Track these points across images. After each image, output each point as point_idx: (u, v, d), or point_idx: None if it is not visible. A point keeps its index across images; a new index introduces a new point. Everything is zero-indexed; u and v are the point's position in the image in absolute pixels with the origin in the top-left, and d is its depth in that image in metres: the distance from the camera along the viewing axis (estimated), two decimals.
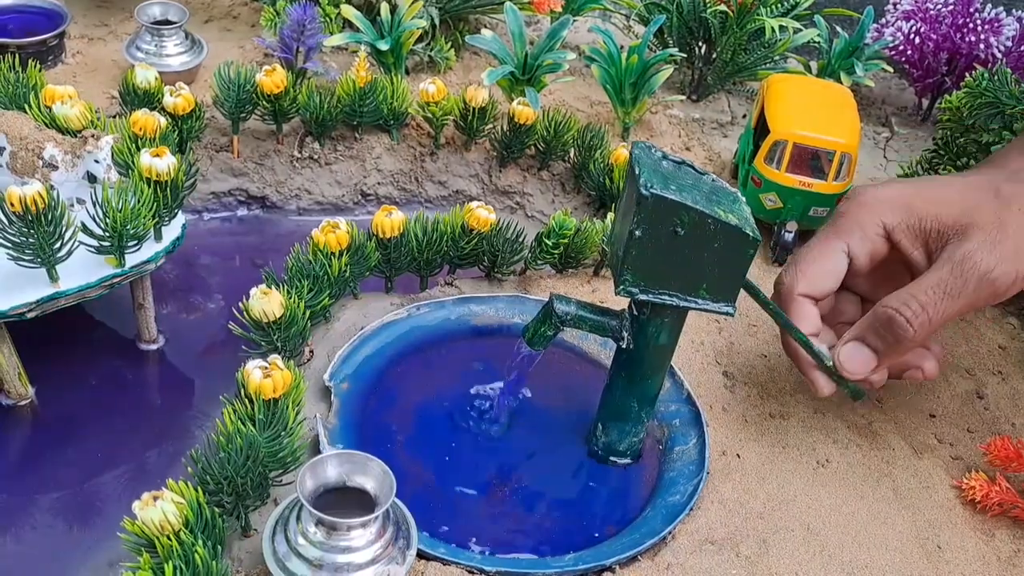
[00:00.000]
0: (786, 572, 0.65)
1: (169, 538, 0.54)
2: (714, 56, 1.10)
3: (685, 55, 1.08)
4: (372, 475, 0.57)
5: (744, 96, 1.18)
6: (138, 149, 0.76)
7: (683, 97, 1.13)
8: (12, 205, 0.65)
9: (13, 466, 0.74)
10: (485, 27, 1.10)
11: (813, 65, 1.12)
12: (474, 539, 0.64)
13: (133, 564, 0.54)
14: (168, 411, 0.80)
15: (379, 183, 1.00)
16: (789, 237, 0.90)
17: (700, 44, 1.11)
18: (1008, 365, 0.84)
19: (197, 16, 1.14)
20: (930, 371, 0.71)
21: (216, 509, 0.58)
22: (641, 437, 0.70)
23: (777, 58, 1.10)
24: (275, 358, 0.63)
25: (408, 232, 0.79)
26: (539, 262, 0.84)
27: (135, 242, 0.73)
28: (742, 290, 0.62)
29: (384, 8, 1.00)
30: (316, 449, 0.66)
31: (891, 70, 1.12)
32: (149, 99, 0.88)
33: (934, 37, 1.09)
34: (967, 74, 0.95)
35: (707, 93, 1.15)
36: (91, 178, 0.77)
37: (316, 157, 0.97)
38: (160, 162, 0.73)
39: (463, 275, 0.85)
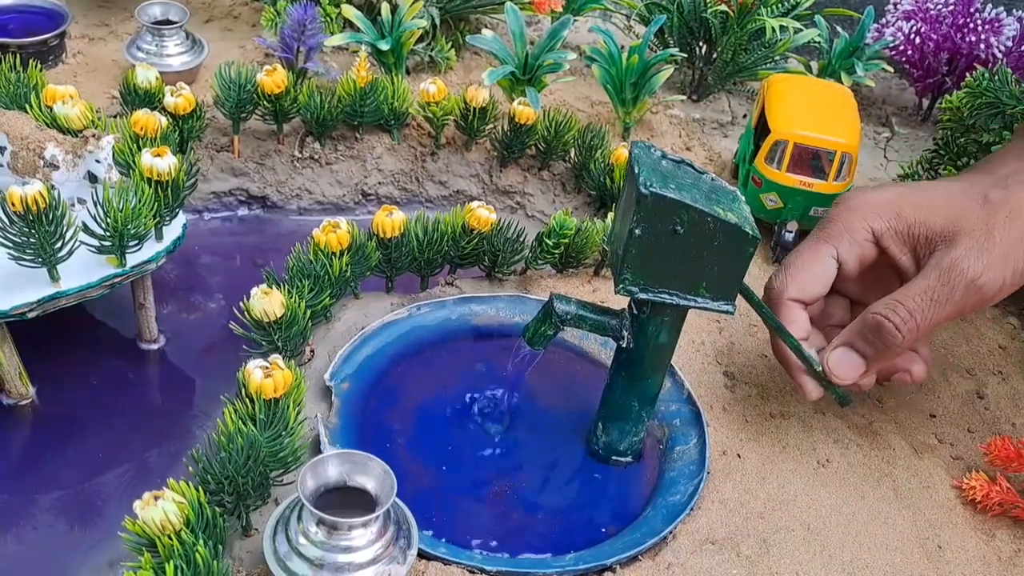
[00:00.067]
0: (786, 572, 0.65)
1: (170, 538, 0.54)
2: (715, 56, 1.10)
3: (685, 55, 1.08)
4: (373, 475, 0.57)
5: (744, 96, 1.18)
6: (139, 149, 0.76)
7: (683, 97, 1.13)
8: (13, 205, 0.65)
9: (14, 466, 0.74)
10: (486, 27, 1.10)
11: (814, 65, 1.12)
12: (475, 539, 0.64)
13: (134, 564, 0.54)
14: (169, 411, 0.80)
15: (380, 183, 1.00)
16: (789, 237, 0.90)
17: (701, 44, 1.11)
18: (1008, 365, 0.84)
19: (198, 16, 1.14)
20: (918, 374, 0.71)
21: (217, 509, 0.58)
22: (641, 437, 0.70)
23: (778, 58, 1.10)
24: (276, 358, 0.64)
25: (409, 232, 0.79)
26: (539, 262, 0.84)
27: (136, 242, 0.73)
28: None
29: (385, 8, 1.00)
30: (317, 449, 0.66)
31: (891, 70, 1.12)
32: (150, 99, 0.88)
33: (934, 37, 1.09)
34: (967, 74, 0.95)
35: (707, 93, 1.15)
36: (92, 178, 0.77)
37: (317, 157, 0.97)
38: (161, 162, 0.73)
39: (464, 275, 0.85)
